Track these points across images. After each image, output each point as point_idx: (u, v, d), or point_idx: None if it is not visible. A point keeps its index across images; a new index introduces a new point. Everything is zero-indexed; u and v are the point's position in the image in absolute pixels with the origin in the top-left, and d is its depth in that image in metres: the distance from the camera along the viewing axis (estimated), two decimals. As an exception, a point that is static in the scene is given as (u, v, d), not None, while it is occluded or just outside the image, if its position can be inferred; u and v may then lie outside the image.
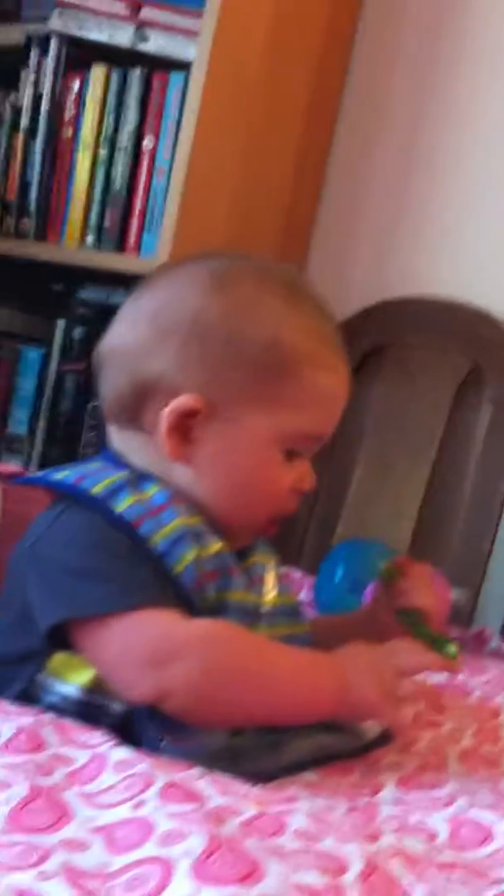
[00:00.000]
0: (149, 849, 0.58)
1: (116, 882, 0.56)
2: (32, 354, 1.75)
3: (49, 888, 0.54)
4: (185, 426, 0.84)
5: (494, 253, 1.67)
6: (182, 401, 0.83)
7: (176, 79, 1.57)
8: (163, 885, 0.55)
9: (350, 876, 0.57)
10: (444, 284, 1.69)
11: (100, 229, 1.61)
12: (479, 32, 1.70)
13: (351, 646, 0.83)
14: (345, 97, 1.80)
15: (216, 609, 0.83)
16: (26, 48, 1.72)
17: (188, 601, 0.81)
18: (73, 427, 1.69)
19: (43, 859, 0.57)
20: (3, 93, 1.79)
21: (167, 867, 0.56)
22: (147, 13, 1.61)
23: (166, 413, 0.84)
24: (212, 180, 1.55)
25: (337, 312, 1.72)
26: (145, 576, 0.80)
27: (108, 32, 1.61)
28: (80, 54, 1.67)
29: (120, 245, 1.60)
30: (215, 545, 0.84)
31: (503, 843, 0.64)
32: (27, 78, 1.72)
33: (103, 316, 0.99)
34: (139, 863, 0.57)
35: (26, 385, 1.75)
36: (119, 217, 1.60)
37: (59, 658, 0.81)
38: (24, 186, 1.72)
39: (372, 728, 0.85)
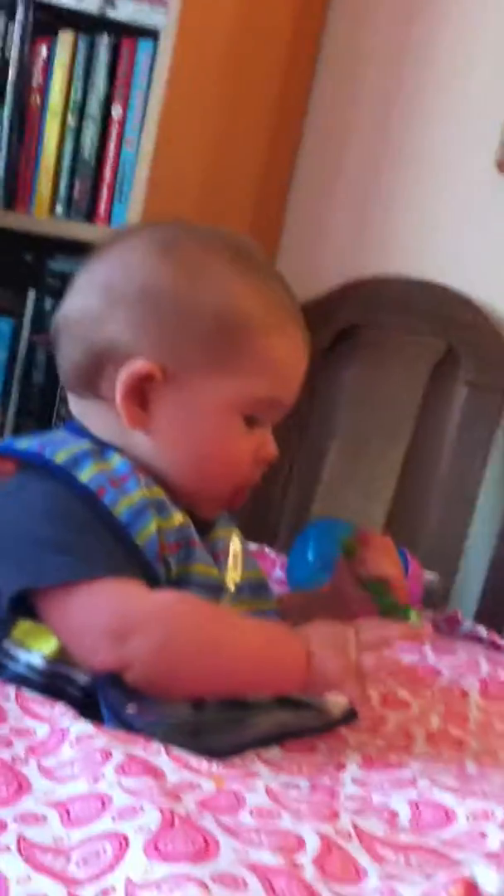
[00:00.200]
0: (105, 823, 0.58)
1: (71, 856, 0.55)
2: (3, 326, 1.72)
3: (2, 862, 0.53)
4: (141, 392, 0.84)
5: (469, 234, 1.66)
6: (136, 366, 0.83)
7: (145, 46, 1.54)
8: (116, 861, 0.54)
9: (305, 855, 0.55)
10: (419, 265, 1.68)
11: (69, 199, 1.59)
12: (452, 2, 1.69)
13: (314, 622, 0.83)
14: (319, 68, 1.78)
15: (179, 582, 0.82)
16: (-8, 13, 1.69)
17: (151, 573, 0.80)
18: (45, 399, 1.68)
19: (-3, 833, 0.56)
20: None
21: (122, 843, 0.55)
22: (114, -21, 1.57)
23: (121, 378, 0.84)
24: (182, 151, 1.53)
25: (311, 292, 1.73)
26: (108, 546, 0.79)
27: (76, -3, 1.58)
28: (48, 20, 1.63)
29: (90, 215, 1.58)
30: (177, 517, 0.84)
31: (464, 825, 0.63)
32: (-7, 43, 1.69)
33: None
34: (95, 838, 0.56)
35: (-3, 357, 1.73)
36: (88, 187, 1.58)
37: (23, 626, 0.80)
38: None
39: (337, 706, 0.84)
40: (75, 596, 0.76)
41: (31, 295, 1.70)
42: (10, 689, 0.77)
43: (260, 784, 0.65)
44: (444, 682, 1.01)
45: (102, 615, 0.76)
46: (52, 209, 1.60)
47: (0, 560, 0.80)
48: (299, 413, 1.66)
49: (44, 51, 1.63)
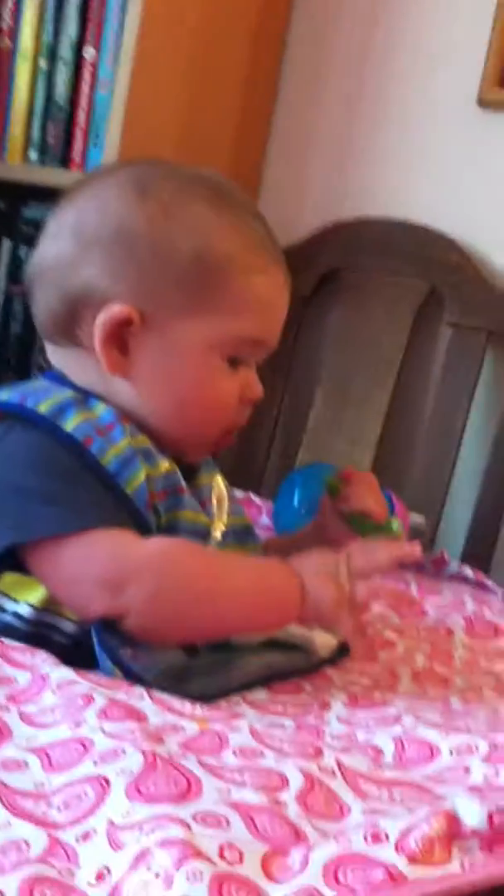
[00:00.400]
0: (86, 767, 0.58)
1: (52, 801, 0.55)
2: (-23, 277, 1.70)
3: (-19, 809, 0.53)
4: (120, 337, 0.83)
5: (451, 173, 1.64)
6: (114, 310, 0.82)
7: (117, -16, 1.50)
8: (98, 804, 0.54)
9: (288, 793, 0.55)
10: (401, 206, 1.66)
11: (43, 144, 1.56)
12: None
13: (305, 553, 0.83)
14: (296, 8, 1.75)
15: (167, 530, 0.82)
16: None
17: (142, 521, 0.80)
18: (23, 349, 1.66)
19: (-24, 780, 0.56)
20: None
21: (103, 785, 0.55)
22: None
23: (99, 324, 0.82)
24: (157, 93, 1.50)
25: (292, 236, 1.71)
26: (97, 496, 0.78)
27: None
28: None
29: (64, 160, 1.54)
30: (164, 464, 0.83)
31: (448, 760, 0.63)
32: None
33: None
34: (76, 782, 0.56)
35: (-28, 308, 1.71)
36: (62, 131, 1.54)
37: (8, 579, 0.80)
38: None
39: (324, 646, 0.84)
40: (66, 547, 0.76)
41: (6, 244, 1.67)
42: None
43: (244, 725, 0.65)
44: (429, 621, 1.02)
45: (95, 565, 0.75)
46: (25, 155, 1.57)
47: None
48: (284, 359, 1.66)
49: (13, -8, 1.59)
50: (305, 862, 0.48)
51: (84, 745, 0.60)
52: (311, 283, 1.66)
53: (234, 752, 0.61)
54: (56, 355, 0.88)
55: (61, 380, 0.86)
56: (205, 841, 0.49)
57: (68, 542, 0.76)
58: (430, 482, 1.54)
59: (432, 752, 0.65)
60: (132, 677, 0.72)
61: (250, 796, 0.54)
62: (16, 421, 0.81)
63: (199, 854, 0.47)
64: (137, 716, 0.64)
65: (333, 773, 0.59)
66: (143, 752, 0.57)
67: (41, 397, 0.82)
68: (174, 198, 0.84)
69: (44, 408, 0.81)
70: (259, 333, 0.86)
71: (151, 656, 0.76)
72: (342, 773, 0.59)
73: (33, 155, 1.57)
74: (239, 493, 1.12)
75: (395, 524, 0.86)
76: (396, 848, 0.49)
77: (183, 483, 0.84)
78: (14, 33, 1.57)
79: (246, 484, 1.54)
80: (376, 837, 0.50)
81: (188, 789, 0.54)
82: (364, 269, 1.65)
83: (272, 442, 1.67)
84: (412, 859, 0.48)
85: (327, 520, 0.93)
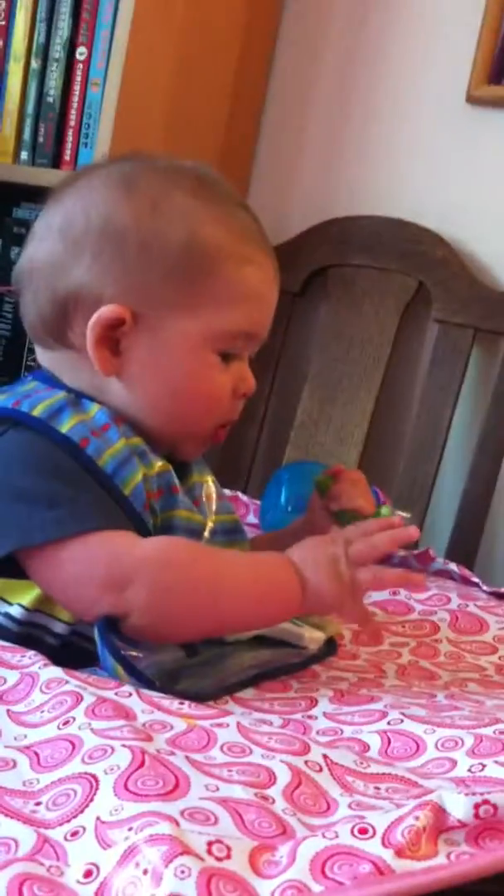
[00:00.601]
0: (75, 766, 0.58)
1: (41, 799, 0.55)
2: (-33, 277, 1.70)
3: (-30, 808, 0.53)
4: (112, 338, 0.82)
5: (439, 170, 1.65)
6: (105, 311, 0.81)
7: (108, -16, 1.51)
8: (87, 802, 0.54)
9: (276, 789, 0.56)
10: (389, 204, 1.66)
11: (34, 144, 1.56)
12: None
13: (305, 541, 0.82)
14: (286, 6, 1.75)
15: (163, 529, 0.82)
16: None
17: (140, 521, 0.80)
18: (14, 350, 1.66)
19: (-36, 779, 0.56)
20: None
21: (92, 783, 0.55)
22: None
23: (91, 326, 0.81)
24: (148, 92, 1.50)
25: (282, 233, 1.71)
26: (95, 498, 0.78)
27: None
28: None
29: (56, 161, 1.55)
30: (158, 464, 0.83)
31: (434, 754, 0.64)
32: (-48, -15, 1.65)
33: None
34: (64, 780, 0.57)
35: (-38, 309, 1.71)
36: (54, 131, 1.54)
37: (0, 582, 0.80)
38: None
39: (314, 641, 0.85)
40: (67, 550, 0.75)
41: (-3, 244, 1.68)
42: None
43: (232, 721, 0.65)
44: (415, 616, 1.02)
45: (97, 567, 0.75)
46: (16, 155, 1.57)
47: None
48: (272, 356, 1.66)
49: (6, -7, 1.59)
50: (293, 856, 0.49)
51: (72, 744, 0.60)
52: (300, 280, 1.67)
53: (222, 749, 0.61)
54: (46, 357, 0.88)
55: (52, 381, 0.86)
56: (193, 837, 0.49)
57: (69, 544, 0.75)
58: (416, 478, 1.55)
59: (418, 746, 0.65)
60: (136, 676, 0.72)
61: (238, 792, 0.55)
62: (11, 424, 0.81)
63: (187, 850, 0.48)
64: (126, 714, 0.64)
65: (320, 768, 0.60)
66: (132, 750, 0.58)
67: (36, 401, 0.81)
68: (160, 192, 0.83)
69: (38, 411, 0.80)
70: (250, 326, 0.85)
71: (152, 656, 0.76)
72: (329, 768, 0.60)
73: (25, 155, 1.57)
74: (227, 492, 1.13)
75: (385, 510, 0.86)
76: (383, 841, 0.49)
77: (177, 482, 0.84)
78: (6, 33, 1.58)
79: (233, 481, 1.55)
80: (363, 831, 0.50)
81: (176, 786, 0.54)
82: (353, 265, 1.66)
83: (259, 439, 1.68)
84: (399, 852, 0.48)
85: (316, 517, 0.93)
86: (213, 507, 0.90)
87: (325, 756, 0.61)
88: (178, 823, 0.50)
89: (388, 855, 0.48)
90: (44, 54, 1.55)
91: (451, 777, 0.60)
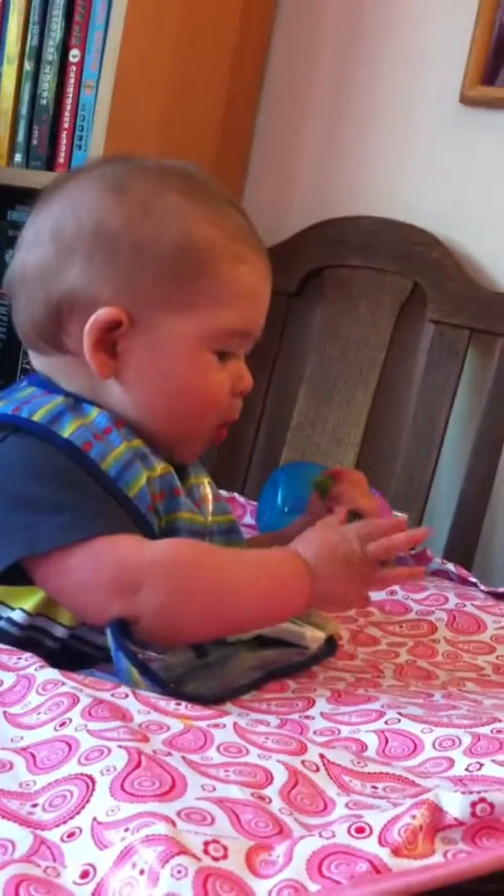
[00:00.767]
0: (71, 767, 0.58)
1: (37, 801, 0.55)
2: (-37, 281, 1.70)
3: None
4: (108, 341, 0.82)
5: (433, 171, 1.65)
6: (101, 314, 0.81)
7: (101, -14, 1.51)
8: (83, 803, 0.54)
9: (272, 788, 0.56)
10: (384, 205, 1.66)
11: (28, 147, 1.56)
12: None
13: (311, 533, 0.82)
14: (280, 8, 1.75)
15: (167, 531, 0.82)
16: None
17: (145, 524, 0.80)
18: (10, 354, 1.66)
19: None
20: None
21: (88, 784, 0.55)
22: None
23: (87, 329, 0.81)
24: (142, 94, 1.50)
25: (277, 234, 1.71)
26: (100, 502, 0.78)
27: None
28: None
29: (50, 163, 1.55)
30: (160, 466, 0.83)
31: (431, 753, 0.64)
32: None
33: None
34: (61, 781, 0.57)
35: (-42, 313, 1.71)
36: (48, 134, 1.54)
37: (2, 589, 0.79)
38: None
39: (314, 640, 0.85)
40: (75, 556, 0.75)
41: (-9, 247, 1.67)
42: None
43: (228, 722, 0.65)
44: (412, 616, 1.02)
45: (106, 572, 0.75)
46: (10, 158, 1.57)
47: None
48: (268, 357, 1.66)
49: (-2, -6, 1.59)
50: (289, 856, 0.49)
51: (69, 745, 0.60)
52: (295, 281, 1.67)
53: (219, 749, 0.61)
54: (40, 362, 0.87)
55: (49, 385, 0.85)
56: (189, 837, 0.49)
57: (76, 550, 0.75)
58: (413, 479, 1.55)
59: (416, 745, 0.65)
60: (150, 678, 0.72)
61: (235, 792, 0.55)
62: (11, 430, 0.80)
63: (183, 850, 0.48)
64: (122, 715, 0.64)
65: (317, 767, 0.60)
66: (128, 751, 0.58)
67: (35, 407, 0.81)
68: (150, 193, 0.82)
69: (38, 417, 0.80)
70: (245, 324, 0.85)
71: (163, 658, 0.76)
72: (326, 768, 0.60)
73: (18, 157, 1.57)
74: (224, 493, 1.13)
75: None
76: (380, 840, 0.49)
77: (179, 484, 0.84)
78: (-1, 37, 1.58)
79: (230, 482, 1.55)
80: (360, 830, 0.50)
81: (173, 786, 0.54)
82: (348, 266, 1.66)
83: (256, 440, 1.68)
84: (396, 851, 0.48)
85: (315, 518, 0.92)
86: (210, 508, 0.90)
87: (321, 756, 0.61)
88: (174, 824, 0.50)
89: (384, 854, 0.48)
90: (37, 56, 1.55)
91: (448, 776, 0.60)
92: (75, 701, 0.65)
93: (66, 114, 1.53)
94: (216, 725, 0.64)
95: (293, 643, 0.85)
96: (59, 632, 0.79)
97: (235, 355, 0.86)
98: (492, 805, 0.50)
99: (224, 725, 0.65)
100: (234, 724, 0.65)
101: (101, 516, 0.76)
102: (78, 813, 0.53)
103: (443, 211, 1.63)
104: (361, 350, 1.63)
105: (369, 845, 0.49)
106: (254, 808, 0.53)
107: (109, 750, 0.58)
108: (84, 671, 0.75)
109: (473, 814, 0.50)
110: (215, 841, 0.49)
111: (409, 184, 1.67)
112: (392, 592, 1.07)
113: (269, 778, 0.57)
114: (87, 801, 0.54)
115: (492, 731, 0.65)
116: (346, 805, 0.55)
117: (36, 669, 0.71)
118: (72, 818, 0.53)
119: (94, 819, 0.52)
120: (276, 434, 1.68)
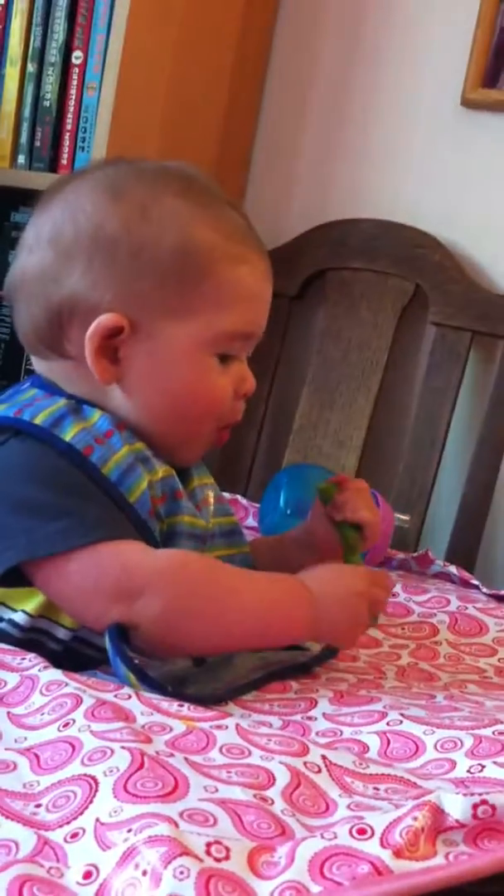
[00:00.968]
0: (74, 767, 0.58)
1: (41, 801, 0.55)
2: (-34, 282, 1.70)
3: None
4: (110, 346, 0.81)
5: (435, 173, 1.65)
6: (103, 320, 0.80)
7: (104, -10, 1.51)
8: (86, 803, 0.54)
9: (275, 790, 0.56)
10: (386, 207, 1.66)
11: (31, 148, 1.56)
12: None
13: (324, 569, 0.83)
14: (281, 10, 1.75)
15: (168, 535, 0.82)
16: None
17: (146, 529, 0.79)
18: (13, 355, 1.66)
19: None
20: None
21: (92, 785, 0.56)
22: None
23: (89, 336, 0.81)
24: (144, 95, 1.50)
25: (279, 237, 1.72)
26: (101, 507, 0.78)
27: None
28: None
29: (53, 165, 1.55)
30: (161, 469, 0.82)
31: (433, 755, 0.64)
32: None
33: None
34: (64, 782, 0.57)
35: (-40, 314, 1.71)
36: (51, 136, 1.55)
37: (2, 591, 0.79)
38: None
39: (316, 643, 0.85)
40: (75, 561, 0.75)
41: (-6, 249, 1.68)
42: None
43: (231, 723, 0.66)
44: (414, 618, 1.03)
45: (106, 578, 0.75)
46: (13, 160, 1.58)
47: None
48: (270, 360, 1.67)
49: (1, -2, 1.59)
50: (292, 857, 0.49)
51: (72, 746, 0.60)
52: (297, 283, 1.67)
53: (221, 750, 0.61)
54: (42, 366, 0.87)
55: (51, 387, 0.85)
56: (192, 838, 0.49)
57: (76, 556, 0.75)
58: (415, 481, 1.55)
59: (418, 747, 0.65)
60: (148, 683, 0.71)
61: (237, 793, 0.55)
62: (12, 433, 0.80)
63: (186, 851, 0.48)
64: (125, 716, 0.65)
65: (319, 769, 0.60)
66: (131, 752, 0.58)
67: (37, 410, 0.81)
68: (148, 196, 0.82)
69: (40, 420, 0.80)
70: (247, 326, 0.85)
71: (161, 664, 0.77)
72: (328, 769, 0.60)
73: (21, 159, 1.57)
74: (226, 495, 1.13)
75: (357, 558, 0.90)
76: (382, 842, 0.49)
77: (180, 487, 0.84)
78: (2, 37, 1.58)
79: (232, 484, 1.55)
80: (362, 832, 0.50)
81: (175, 787, 0.55)
82: (350, 269, 1.66)
83: (258, 442, 1.68)
84: (397, 853, 0.48)
85: (317, 525, 0.92)
86: (212, 510, 0.90)
87: (323, 757, 0.61)
88: (177, 825, 0.50)
89: (386, 855, 0.48)
90: (40, 58, 1.55)
91: (450, 778, 0.61)
92: (79, 702, 0.65)
93: (69, 115, 1.53)
94: (219, 727, 0.65)
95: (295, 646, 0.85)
96: (61, 634, 0.79)
97: (238, 358, 0.86)
98: (493, 807, 0.51)
99: (226, 727, 0.65)
100: (237, 725, 0.65)
101: (102, 522, 0.76)
102: (81, 814, 0.53)
103: (444, 213, 1.63)
104: (363, 352, 1.63)
105: (371, 847, 0.49)
106: (256, 809, 0.54)
107: (112, 751, 0.58)
108: (87, 672, 0.75)
109: (475, 816, 0.50)
110: (217, 842, 0.49)
111: (410, 186, 1.67)
112: (394, 595, 1.07)
113: (272, 779, 0.57)
114: (91, 802, 0.54)
115: (493, 733, 0.65)
116: (348, 806, 0.55)
117: (40, 670, 0.71)
118: (75, 819, 0.53)
119: (98, 820, 0.52)
120: (278, 436, 1.68)
